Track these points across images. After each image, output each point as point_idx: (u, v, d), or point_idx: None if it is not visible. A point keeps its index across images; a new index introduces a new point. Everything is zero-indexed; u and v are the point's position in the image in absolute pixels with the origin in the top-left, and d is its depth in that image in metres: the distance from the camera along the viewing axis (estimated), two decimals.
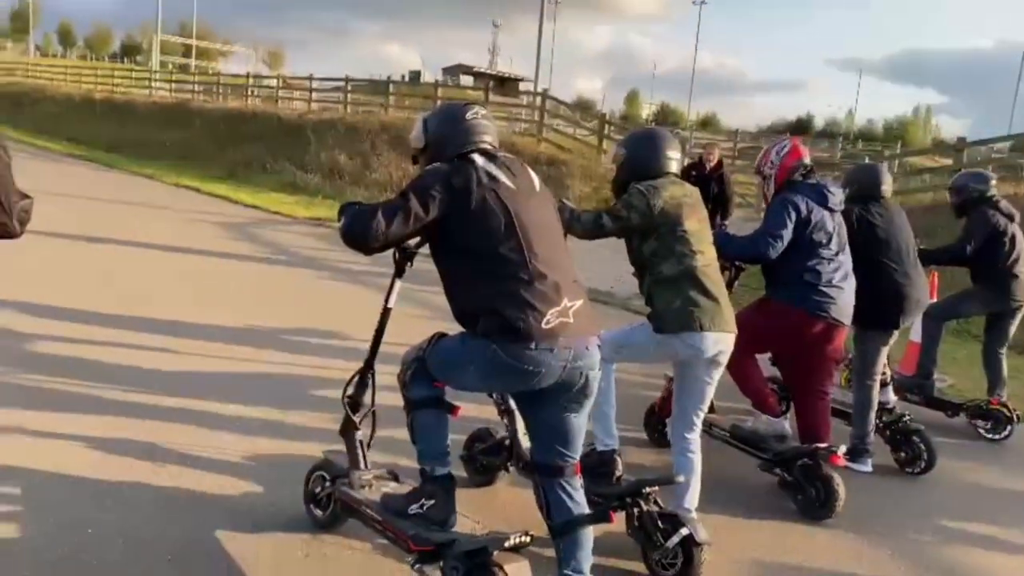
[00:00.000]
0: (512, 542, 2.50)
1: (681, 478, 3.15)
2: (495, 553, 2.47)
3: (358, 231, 2.54)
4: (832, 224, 3.80)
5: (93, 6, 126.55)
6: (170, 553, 2.78)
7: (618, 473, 3.29)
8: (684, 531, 2.89)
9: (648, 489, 3.00)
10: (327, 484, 3.01)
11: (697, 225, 3.23)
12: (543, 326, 2.45)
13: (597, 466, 3.26)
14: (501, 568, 2.43)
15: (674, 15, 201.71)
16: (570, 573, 2.63)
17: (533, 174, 2.71)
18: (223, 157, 17.50)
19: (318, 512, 3.05)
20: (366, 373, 2.97)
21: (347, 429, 2.99)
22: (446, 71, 59.47)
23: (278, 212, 12.27)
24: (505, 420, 3.06)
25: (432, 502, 2.69)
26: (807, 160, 3.95)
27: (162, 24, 40.85)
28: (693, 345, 3.14)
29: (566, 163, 14.69)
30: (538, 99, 19.12)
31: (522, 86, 45.60)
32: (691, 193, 3.33)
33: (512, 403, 2.98)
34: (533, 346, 2.45)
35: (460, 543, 2.53)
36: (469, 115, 2.70)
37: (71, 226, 8.48)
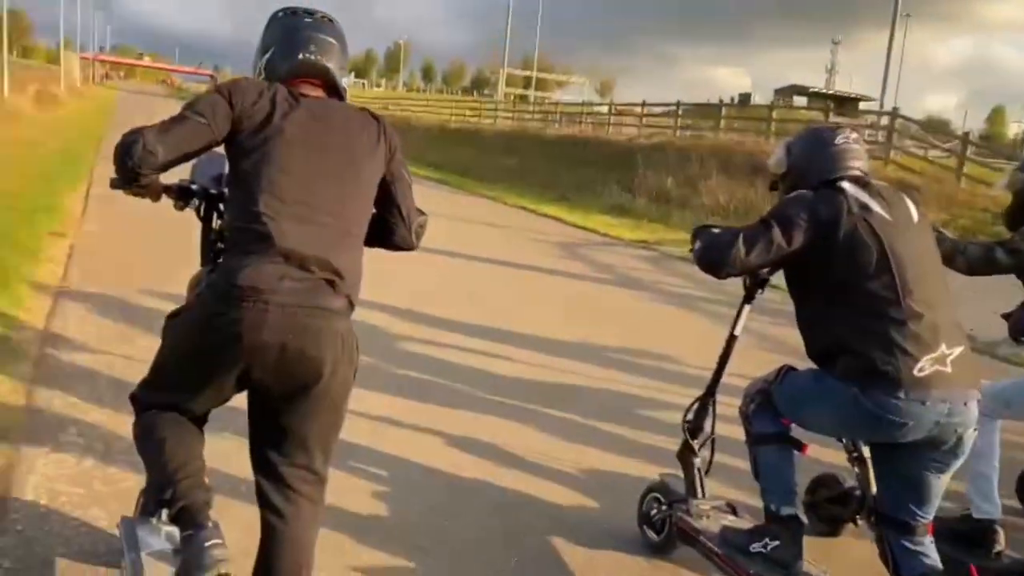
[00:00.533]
0: None
1: None
2: None
3: (715, 257, 2.49)
4: None
5: (454, 44, 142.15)
6: (516, 555, 2.93)
7: (999, 548, 2.88)
8: None
9: None
10: (662, 507, 2.97)
11: None
12: (915, 373, 2.24)
13: (972, 535, 2.90)
14: None
15: None
16: None
17: (910, 202, 2.50)
18: (557, 180, 18.52)
19: (652, 535, 3.02)
20: (707, 399, 2.91)
21: (685, 454, 2.94)
22: (778, 92, 57.28)
23: (606, 234, 12.66)
24: (856, 468, 2.81)
25: (777, 543, 2.56)
26: None
27: (508, 58, 44.74)
28: None
29: (918, 188, 13.27)
30: (884, 119, 17.63)
31: (863, 105, 42.36)
32: None
33: (865, 450, 2.70)
34: (902, 395, 2.23)
35: None
36: (840, 139, 2.57)
37: (430, 240, 9.49)
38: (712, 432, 2.90)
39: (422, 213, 2.29)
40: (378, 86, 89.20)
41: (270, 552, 2.04)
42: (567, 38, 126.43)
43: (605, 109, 28.23)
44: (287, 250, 1.86)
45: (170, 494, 1.93)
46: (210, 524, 1.90)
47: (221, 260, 1.97)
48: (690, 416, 2.93)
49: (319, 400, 1.96)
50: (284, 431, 1.99)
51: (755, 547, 2.57)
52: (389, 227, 2.22)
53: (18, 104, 19.94)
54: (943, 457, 2.34)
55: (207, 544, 1.84)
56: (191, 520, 1.89)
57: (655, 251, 11.44)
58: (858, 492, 2.97)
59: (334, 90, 2.14)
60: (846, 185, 2.43)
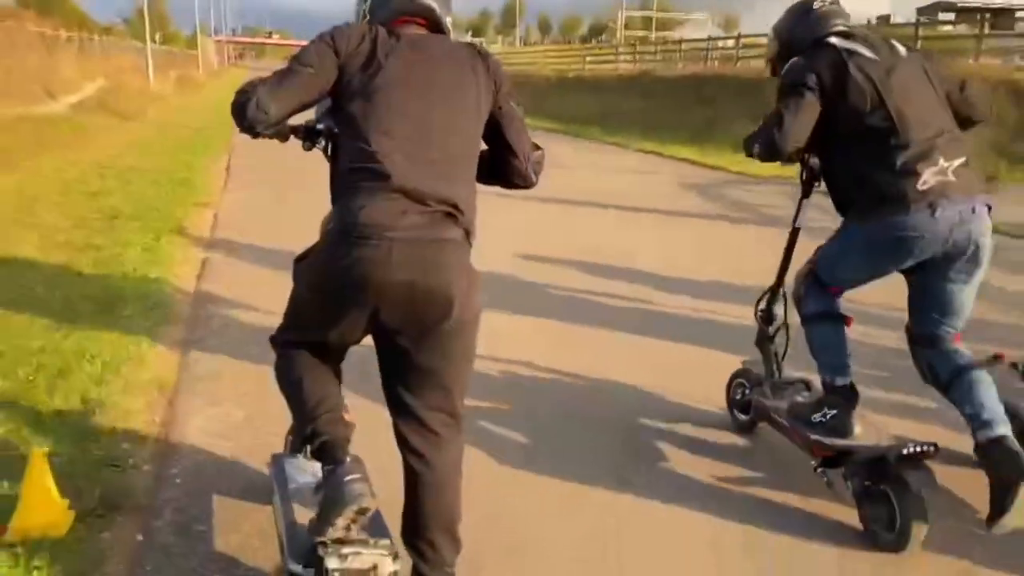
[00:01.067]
0: (912, 450, 2.47)
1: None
2: (896, 462, 2.48)
3: (765, 144, 2.69)
4: None
5: None
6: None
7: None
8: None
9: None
10: (747, 391, 3.26)
11: None
12: (919, 187, 2.47)
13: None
14: (901, 476, 2.44)
15: None
16: (974, 417, 2.58)
17: (898, 44, 2.69)
18: (684, 121, 17.78)
19: (741, 416, 3.32)
20: (777, 288, 3.18)
21: (761, 341, 3.22)
22: (921, 11, 53.54)
23: (741, 172, 12.05)
24: None
25: (834, 411, 2.77)
26: None
27: (626, 2, 43.45)
28: None
29: None
30: None
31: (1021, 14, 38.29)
32: None
33: None
34: (911, 210, 2.47)
35: (860, 451, 2.63)
36: (817, 4, 2.77)
37: (558, 190, 9.33)
38: (785, 318, 3.13)
39: (538, 148, 2.23)
40: (495, 43, 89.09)
41: (418, 499, 2.01)
42: None
43: (731, 43, 26.89)
44: (403, 186, 1.83)
45: (310, 431, 1.96)
46: (349, 459, 1.91)
47: (339, 202, 1.93)
48: (762, 305, 3.20)
49: (451, 337, 1.92)
50: (419, 371, 1.95)
51: (816, 417, 2.80)
52: (504, 163, 2.17)
53: (162, 89, 21.19)
54: (965, 268, 2.57)
55: (346, 479, 1.85)
56: (331, 455, 1.92)
57: (794, 186, 10.79)
58: None
59: (438, 28, 2.10)
60: (833, 39, 2.66)
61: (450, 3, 2.13)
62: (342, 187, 1.92)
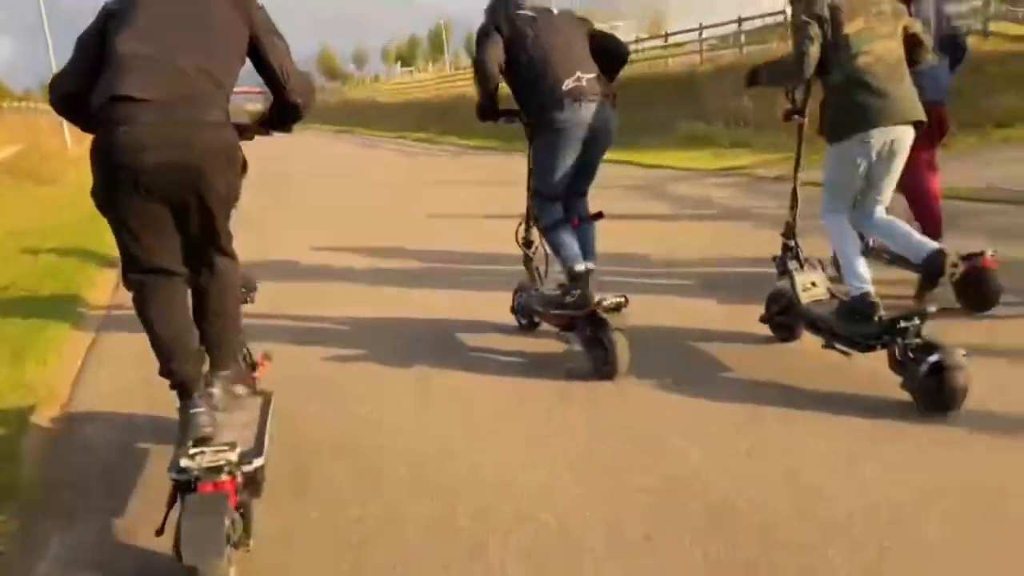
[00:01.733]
0: (611, 302, 3.62)
1: (933, 308, 3.19)
2: (602, 313, 3.60)
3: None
4: None
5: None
6: None
7: (879, 314, 3.33)
8: (934, 358, 2.96)
9: (904, 324, 3.12)
10: (520, 299, 4.45)
11: (861, 25, 3.37)
12: (564, 88, 3.74)
13: (855, 311, 3.41)
14: (606, 323, 3.60)
15: None
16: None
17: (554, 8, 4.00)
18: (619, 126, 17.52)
19: (522, 320, 4.54)
20: (528, 219, 4.29)
21: (526, 261, 4.34)
22: None
23: (686, 167, 11.82)
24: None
25: (577, 291, 3.79)
26: None
27: None
28: (865, 143, 3.37)
29: None
30: None
31: None
32: None
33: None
34: (563, 105, 3.75)
35: (580, 313, 3.73)
36: None
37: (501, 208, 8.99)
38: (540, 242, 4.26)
39: (309, 82, 2.73)
40: (425, 71, 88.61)
41: (201, 315, 2.52)
42: None
43: (658, 43, 26.96)
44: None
45: (166, 371, 2.39)
46: (197, 395, 2.35)
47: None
48: (521, 233, 4.32)
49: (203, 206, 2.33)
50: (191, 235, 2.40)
51: (567, 299, 3.84)
52: (274, 95, 2.61)
53: (81, 151, 20.36)
54: (600, 146, 4.03)
55: (192, 412, 2.33)
56: (184, 392, 2.37)
57: (745, 176, 10.58)
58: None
59: None
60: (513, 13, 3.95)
61: None
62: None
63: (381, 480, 2.90)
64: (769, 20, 21.33)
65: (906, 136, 3.39)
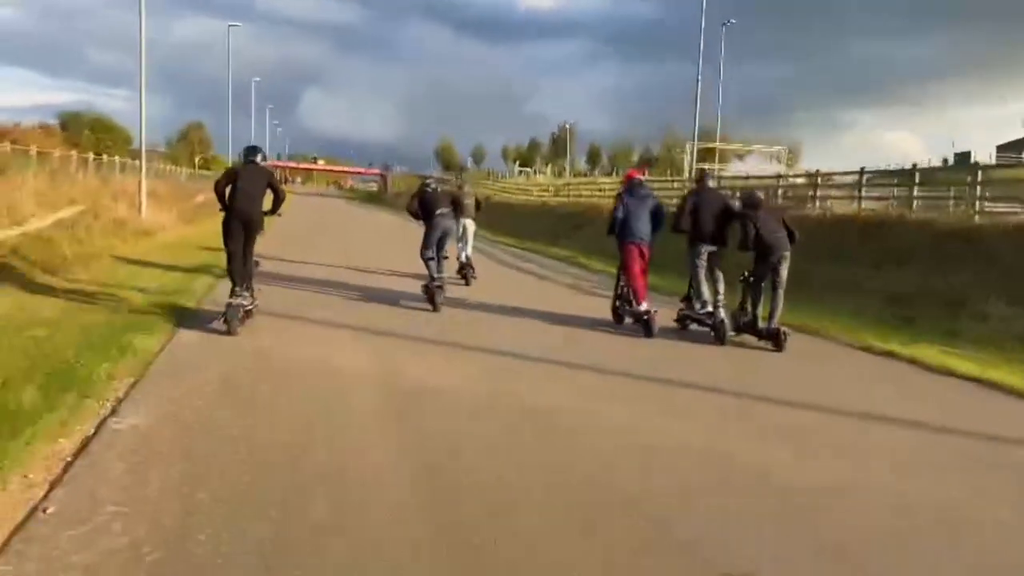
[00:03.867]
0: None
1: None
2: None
3: None
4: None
5: (600, 131, 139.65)
6: None
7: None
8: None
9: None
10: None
11: None
12: None
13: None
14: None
15: None
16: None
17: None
18: (804, 279, 13.73)
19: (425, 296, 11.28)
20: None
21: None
22: (1003, 148, 52.70)
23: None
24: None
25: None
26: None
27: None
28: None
29: None
30: None
31: None
32: None
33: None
34: None
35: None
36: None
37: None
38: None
39: (284, 193, 9.78)
40: (542, 173, 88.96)
41: (242, 263, 9.17)
42: (734, 109, 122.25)
43: (802, 180, 24.30)
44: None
45: (231, 278, 8.92)
46: (237, 289, 8.78)
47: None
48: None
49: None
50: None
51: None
52: (275, 198, 9.35)
53: (158, 220, 19.03)
54: None
55: (235, 292, 8.75)
56: (234, 285, 8.84)
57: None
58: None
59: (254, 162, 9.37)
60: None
61: (257, 153, 9.44)
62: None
63: None
64: None
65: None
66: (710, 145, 49.48)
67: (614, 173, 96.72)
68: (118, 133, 60.28)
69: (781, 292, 9.10)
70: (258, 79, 69.45)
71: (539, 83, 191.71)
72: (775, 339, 8.85)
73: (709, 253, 9.61)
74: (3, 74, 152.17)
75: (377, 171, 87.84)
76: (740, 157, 59.26)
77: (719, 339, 9.14)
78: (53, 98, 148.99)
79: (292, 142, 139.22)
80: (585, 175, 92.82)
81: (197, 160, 66.73)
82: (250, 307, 8.78)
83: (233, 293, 8.60)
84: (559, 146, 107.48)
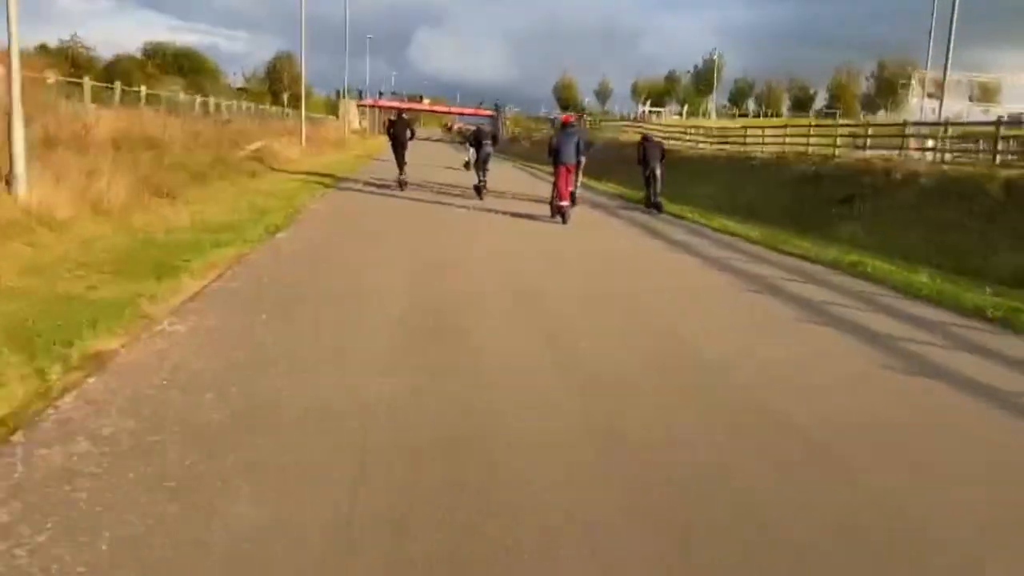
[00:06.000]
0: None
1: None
2: None
3: None
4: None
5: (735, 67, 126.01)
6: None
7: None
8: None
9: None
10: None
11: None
12: None
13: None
14: None
15: None
16: None
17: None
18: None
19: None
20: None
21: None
22: None
23: None
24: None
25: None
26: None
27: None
28: None
29: None
30: None
31: None
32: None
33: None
34: None
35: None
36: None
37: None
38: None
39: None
40: (678, 115, 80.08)
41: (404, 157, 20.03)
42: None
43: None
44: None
45: (399, 167, 19.27)
46: (400, 172, 19.32)
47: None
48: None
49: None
50: None
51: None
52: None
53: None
54: None
55: (400, 173, 19.28)
56: (401, 171, 19.24)
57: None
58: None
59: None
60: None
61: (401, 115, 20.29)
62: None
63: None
64: None
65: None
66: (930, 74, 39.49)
67: (765, 114, 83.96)
68: (205, 65, 66.03)
69: (657, 183, 18.27)
70: (371, 36, 79.74)
71: (653, 20, 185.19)
72: (658, 207, 17.95)
73: (648, 172, 18.40)
74: (140, 16, 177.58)
75: (487, 112, 78.60)
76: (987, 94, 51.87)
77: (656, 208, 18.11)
78: (182, 38, 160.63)
79: (403, 84, 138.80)
80: (734, 116, 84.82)
81: (286, 96, 57.10)
82: (403, 179, 19.39)
83: (401, 172, 19.29)
84: (704, 81, 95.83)
